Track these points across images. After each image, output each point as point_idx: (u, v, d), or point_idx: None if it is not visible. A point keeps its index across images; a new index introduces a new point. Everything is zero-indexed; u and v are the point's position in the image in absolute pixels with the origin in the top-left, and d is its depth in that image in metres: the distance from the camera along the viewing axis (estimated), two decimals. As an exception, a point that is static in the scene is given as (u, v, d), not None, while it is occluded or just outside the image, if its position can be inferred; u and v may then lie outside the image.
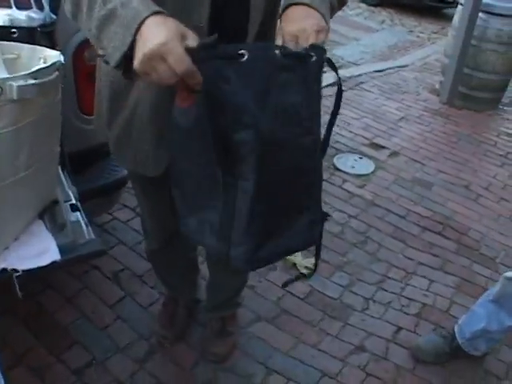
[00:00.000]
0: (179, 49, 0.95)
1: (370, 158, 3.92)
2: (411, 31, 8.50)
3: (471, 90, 5.15)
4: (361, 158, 3.88)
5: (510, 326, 2.16)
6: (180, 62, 0.94)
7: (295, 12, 1.14)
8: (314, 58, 1.08)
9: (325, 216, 1.34)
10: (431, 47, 7.45)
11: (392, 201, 3.41)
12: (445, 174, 3.85)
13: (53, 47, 1.66)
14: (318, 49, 1.09)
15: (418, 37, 8.19)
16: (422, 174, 3.79)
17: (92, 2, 1.06)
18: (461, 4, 4.99)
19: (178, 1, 1.20)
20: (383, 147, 4.12)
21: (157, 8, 1.00)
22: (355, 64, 6.42)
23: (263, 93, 1.08)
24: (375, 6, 9.74)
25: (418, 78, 5.87)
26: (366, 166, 3.77)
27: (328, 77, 5.27)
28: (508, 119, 5.13)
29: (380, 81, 5.55)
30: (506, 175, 3.99)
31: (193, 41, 0.98)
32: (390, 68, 6.04)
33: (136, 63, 0.97)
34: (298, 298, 2.58)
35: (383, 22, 8.88)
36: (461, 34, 4.86)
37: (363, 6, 9.71)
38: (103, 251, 1.63)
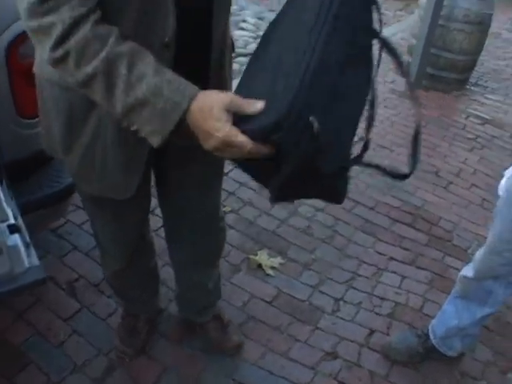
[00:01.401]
0: (237, 138, 1.00)
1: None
2: (376, 9, 8.35)
3: (439, 70, 5.06)
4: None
5: (482, 317, 2.10)
6: (244, 146, 1.00)
7: None
8: None
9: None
10: (397, 26, 7.31)
11: (360, 191, 3.29)
12: (414, 161, 3.73)
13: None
14: None
15: (383, 14, 8.04)
16: (391, 161, 3.67)
17: (110, 83, 1.04)
18: (427, -17, 4.86)
19: (141, 18, 1.12)
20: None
21: (191, 91, 1.04)
22: (320, 45, 6.26)
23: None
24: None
25: (383, 58, 5.72)
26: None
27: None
28: (476, 100, 5.05)
29: (346, 63, 5.40)
30: (475, 160, 3.91)
31: (239, 104, 1.02)
32: (355, 49, 5.88)
33: (207, 148, 1.05)
34: (265, 301, 2.44)
35: (347, -1, 8.71)
36: (428, 13, 4.74)
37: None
38: (44, 280, 1.47)
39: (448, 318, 2.17)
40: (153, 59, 1.07)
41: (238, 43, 5.83)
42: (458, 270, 2.74)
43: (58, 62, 1.06)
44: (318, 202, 3.12)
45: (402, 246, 2.90)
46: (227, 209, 2.89)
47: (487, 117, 4.71)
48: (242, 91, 1.10)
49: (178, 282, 2.10)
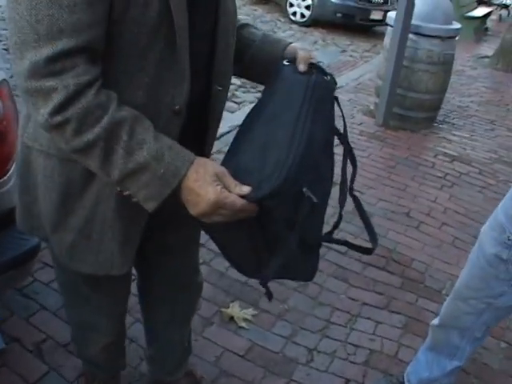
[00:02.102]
0: (229, 198, 1.06)
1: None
2: (344, 51, 8.54)
3: (406, 110, 5.15)
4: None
5: (452, 370, 2.06)
6: (235, 204, 1.06)
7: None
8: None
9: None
10: (364, 67, 7.47)
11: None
12: (385, 202, 3.76)
13: None
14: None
15: (350, 56, 8.23)
16: (363, 204, 3.67)
17: (109, 149, 1.04)
18: (390, 26, 4.98)
19: (154, 86, 1.13)
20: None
21: (190, 156, 1.08)
22: (290, 88, 6.34)
23: None
24: (307, 26, 9.79)
25: (352, 99, 5.83)
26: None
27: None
28: (444, 137, 5.13)
29: (315, 105, 5.46)
30: (445, 198, 3.94)
31: (229, 181, 1.08)
32: (324, 91, 5.96)
33: (194, 214, 1.09)
34: (238, 355, 2.39)
35: (316, 42, 8.90)
36: (392, 55, 4.85)
37: (295, 27, 9.74)
38: (2, 350, 1.42)
39: (420, 368, 2.14)
40: (151, 125, 1.08)
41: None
42: (432, 312, 2.75)
43: (55, 128, 1.03)
44: (290, 249, 3.10)
45: (375, 290, 2.89)
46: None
47: (455, 154, 4.78)
48: (230, 164, 1.17)
49: (152, 342, 2.02)
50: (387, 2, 9.85)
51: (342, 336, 2.56)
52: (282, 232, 1.16)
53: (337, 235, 1.37)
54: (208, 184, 1.06)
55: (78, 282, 1.53)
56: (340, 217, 1.36)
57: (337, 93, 4.75)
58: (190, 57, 1.16)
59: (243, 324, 2.54)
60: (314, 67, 1.28)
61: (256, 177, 1.11)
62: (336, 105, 1.31)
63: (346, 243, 1.40)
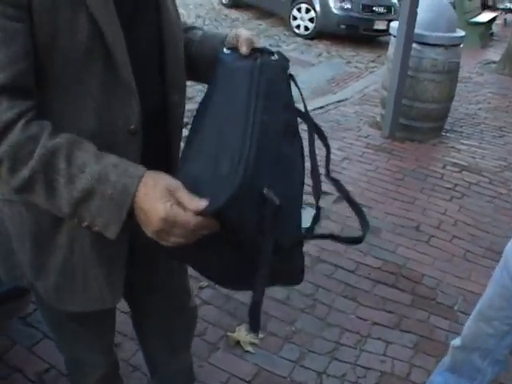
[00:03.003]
0: (180, 216, 0.95)
1: (314, 207, 3.71)
2: (349, 62, 8.49)
3: (412, 120, 5.08)
4: (303, 208, 3.67)
5: None
6: (188, 222, 0.95)
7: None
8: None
9: None
10: (369, 77, 7.41)
11: (340, 254, 3.22)
12: (393, 217, 3.69)
13: None
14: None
15: (355, 67, 8.18)
16: (370, 220, 3.53)
17: (50, 181, 0.98)
18: (394, 36, 4.93)
19: (102, 109, 1.08)
20: (327, 193, 3.91)
21: (138, 171, 0.99)
22: (294, 102, 6.29)
23: None
24: (311, 39, 9.75)
25: (358, 111, 5.77)
26: (309, 218, 3.55)
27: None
28: (452, 147, 5.05)
29: (319, 119, 5.41)
30: (455, 210, 3.87)
31: (184, 197, 0.97)
32: (329, 104, 5.92)
33: (150, 235, 0.99)
34: (245, 381, 2.33)
35: (320, 54, 8.86)
36: (396, 66, 4.79)
37: (299, 39, 9.70)
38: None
39: None
40: (92, 146, 1.02)
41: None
42: (444, 330, 2.68)
43: None
44: (297, 269, 3.03)
45: (385, 308, 2.82)
46: (203, 284, 2.80)
47: (464, 163, 4.70)
48: (183, 174, 1.08)
49: (153, 373, 1.95)
50: (390, 11, 9.80)
51: (352, 358, 2.49)
52: (255, 241, 1.03)
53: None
54: (156, 200, 0.96)
55: (64, 320, 1.48)
56: (318, 209, 1.22)
57: (342, 105, 4.73)
58: (136, 73, 1.10)
59: (250, 348, 2.48)
60: (258, 50, 1.14)
61: (211, 186, 1.01)
62: (293, 84, 1.18)
63: (331, 236, 1.24)
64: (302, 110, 1.20)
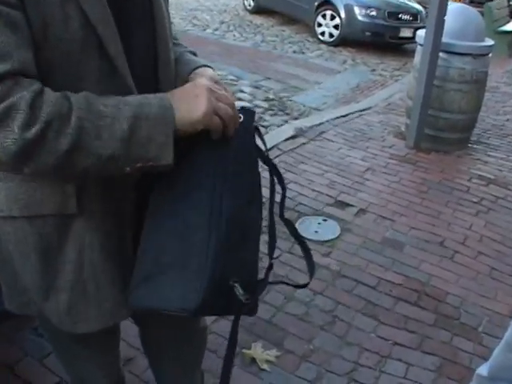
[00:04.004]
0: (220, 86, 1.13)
1: (335, 219, 3.64)
2: (374, 70, 8.39)
3: (438, 131, 4.97)
4: (325, 220, 3.60)
5: None
6: (227, 91, 1.14)
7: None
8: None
9: None
10: (394, 86, 7.30)
11: (361, 269, 3.13)
12: (417, 231, 3.58)
13: None
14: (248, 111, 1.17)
15: (380, 75, 8.07)
16: (393, 233, 3.52)
17: (96, 127, 0.96)
18: (420, 44, 4.82)
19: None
20: (349, 205, 3.85)
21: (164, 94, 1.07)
22: (317, 110, 6.24)
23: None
24: (336, 46, 9.66)
25: (382, 121, 5.67)
26: (331, 230, 3.49)
27: (287, 129, 5.05)
28: (479, 159, 4.92)
29: (343, 128, 5.33)
30: (481, 225, 3.75)
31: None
32: (353, 112, 5.83)
33: (198, 122, 1.05)
34: (260, 401, 2.26)
35: (345, 62, 8.77)
36: (423, 75, 4.69)
37: (323, 46, 9.62)
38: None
39: None
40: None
41: (234, 114, 5.78)
42: (469, 352, 2.57)
43: (34, 143, 0.91)
44: (317, 285, 2.95)
45: (407, 328, 2.71)
46: (219, 297, 2.73)
47: (491, 176, 4.56)
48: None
49: None
50: (417, 19, 9.67)
51: (371, 380, 2.39)
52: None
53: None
54: (194, 83, 1.11)
55: (68, 342, 1.43)
56: (270, 266, 1.25)
57: (367, 114, 4.60)
58: (132, 69, 1.10)
59: (265, 366, 2.40)
60: None
61: (180, 282, 1.06)
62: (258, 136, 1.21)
63: (282, 282, 1.42)
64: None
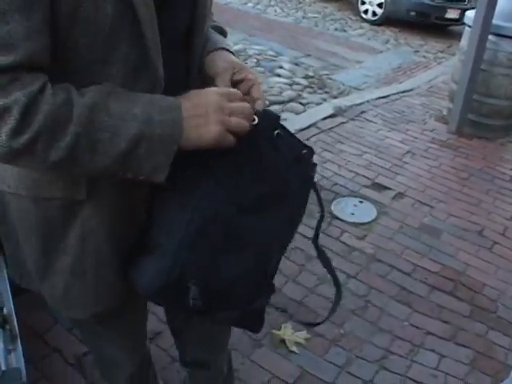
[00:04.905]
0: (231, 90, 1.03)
1: (372, 201, 3.56)
2: (417, 51, 8.18)
3: (482, 117, 4.81)
4: (361, 202, 3.52)
5: None
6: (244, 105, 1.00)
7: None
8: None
9: None
10: (437, 68, 7.12)
11: (396, 254, 3.05)
12: (455, 218, 3.49)
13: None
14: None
15: (423, 57, 7.87)
16: (431, 220, 3.43)
17: (92, 141, 0.88)
18: (469, 26, 4.66)
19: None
20: (387, 188, 3.76)
21: (176, 101, 0.95)
22: (357, 89, 6.11)
23: None
24: (379, 25, 9.46)
25: (424, 103, 5.52)
26: (367, 212, 3.41)
27: (326, 107, 4.96)
28: (523, 148, 4.76)
29: (383, 109, 5.21)
30: (523, 216, 3.63)
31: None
32: (394, 93, 5.69)
33: (213, 128, 0.95)
34: (286, 382, 2.22)
35: (387, 41, 8.58)
36: (470, 58, 4.53)
37: (366, 25, 9.43)
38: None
39: None
40: (122, 91, 0.93)
41: (273, 90, 5.71)
42: (504, 348, 2.50)
43: (22, 152, 0.85)
44: (351, 268, 2.90)
45: (441, 318, 2.64)
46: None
47: (535, 166, 4.42)
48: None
49: (191, 377, 1.89)
50: (464, 0, 9.39)
51: (402, 369, 2.34)
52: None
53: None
54: (203, 93, 0.98)
55: (89, 323, 1.39)
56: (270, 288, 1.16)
57: (408, 95, 4.45)
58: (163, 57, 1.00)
59: (294, 348, 2.36)
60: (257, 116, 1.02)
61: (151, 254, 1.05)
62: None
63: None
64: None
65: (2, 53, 0.81)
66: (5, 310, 1.43)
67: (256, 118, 1.00)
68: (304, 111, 5.23)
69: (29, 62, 0.84)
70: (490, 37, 4.51)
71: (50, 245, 1.10)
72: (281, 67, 6.45)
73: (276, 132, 1.04)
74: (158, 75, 0.99)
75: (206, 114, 0.95)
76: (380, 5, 9.45)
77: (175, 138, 0.93)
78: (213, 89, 1.01)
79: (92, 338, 1.50)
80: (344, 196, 3.59)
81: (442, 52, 8.29)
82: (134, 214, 1.13)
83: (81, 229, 1.07)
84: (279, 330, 2.43)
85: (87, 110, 0.87)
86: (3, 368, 1.27)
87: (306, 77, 6.30)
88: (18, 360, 1.34)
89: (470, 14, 4.69)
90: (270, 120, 1.05)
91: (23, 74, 0.83)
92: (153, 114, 0.91)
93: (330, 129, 4.55)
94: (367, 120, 4.90)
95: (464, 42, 4.75)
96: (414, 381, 2.29)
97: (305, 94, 5.78)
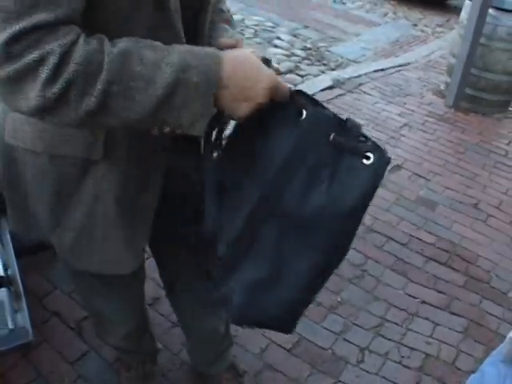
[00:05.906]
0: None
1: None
2: (415, 25, 8.14)
3: (479, 91, 4.81)
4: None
5: None
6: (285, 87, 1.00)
7: None
8: None
9: None
10: (436, 43, 7.09)
11: (392, 225, 3.09)
12: (451, 191, 3.52)
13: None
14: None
15: (422, 31, 7.83)
16: (427, 192, 3.46)
17: (126, 89, 0.87)
18: (469, -1, 4.64)
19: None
20: (384, 161, 3.77)
21: (215, 51, 0.95)
22: (355, 62, 6.09)
23: None
24: (378, -3, 9.37)
25: (421, 77, 5.52)
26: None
27: (324, 79, 4.94)
28: (519, 123, 4.79)
29: (381, 82, 5.20)
30: (518, 190, 3.67)
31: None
32: (391, 67, 5.68)
33: (260, 93, 0.95)
34: (284, 348, 2.27)
35: (386, 15, 8.52)
36: (469, 32, 4.51)
37: (365, -2, 9.35)
38: (29, 344, 1.33)
39: (488, 381, 1.94)
40: (156, 42, 0.93)
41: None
42: (497, 317, 2.55)
43: (56, 102, 0.85)
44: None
45: (436, 288, 2.69)
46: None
47: (531, 142, 4.45)
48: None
49: (187, 334, 1.92)
50: (465, -26, 9.30)
51: (397, 336, 2.39)
52: None
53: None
54: (257, 63, 0.97)
55: (89, 277, 1.41)
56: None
57: (405, 69, 4.45)
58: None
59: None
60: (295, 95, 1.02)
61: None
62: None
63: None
64: None
65: (47, 9, 0.82)
66: (9, 271, 1.44)
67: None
68: (302, 82, 5.22)
69: (68, 18, 0.85)
70: (491, 10, 4.49)
71: (62, 200, 1.13)
72: (279, 38, 6.40)
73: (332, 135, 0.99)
74: (179, 38, 1.01)
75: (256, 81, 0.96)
76: (379, -23, 9.36)
77: (213, 83, 0.91)
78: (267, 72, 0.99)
79: (90, 292, 1.54)
80: (341, 168, 3.60)
81: (440, 26, 8.24)
82: (148, 183, 1.14)
83: (93, 188, 1.09)
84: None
85: (119, 57, 0.87)
86: (11, 327, 1.29)
87: (304, 48, 6.26)
88: (24, 319, 1.37)
89: (470, -12, 4.66)
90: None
91: (60, 27, 0.84)
92: (189, 61, 0.90)
93: (327, 100, 4.54)
94: (365, 92, 4.90)
95: (464, 15, 4.73)
96: (409, 347, 2.34)
97: (303, 66, 5.75)
